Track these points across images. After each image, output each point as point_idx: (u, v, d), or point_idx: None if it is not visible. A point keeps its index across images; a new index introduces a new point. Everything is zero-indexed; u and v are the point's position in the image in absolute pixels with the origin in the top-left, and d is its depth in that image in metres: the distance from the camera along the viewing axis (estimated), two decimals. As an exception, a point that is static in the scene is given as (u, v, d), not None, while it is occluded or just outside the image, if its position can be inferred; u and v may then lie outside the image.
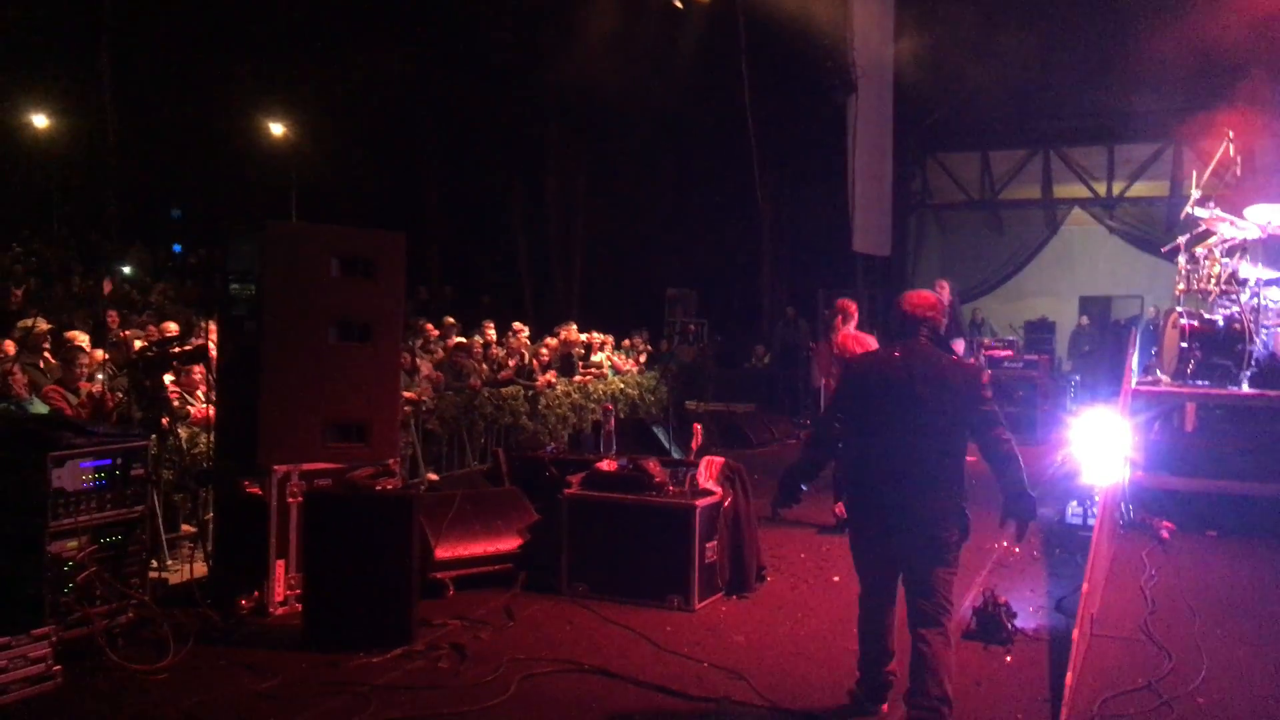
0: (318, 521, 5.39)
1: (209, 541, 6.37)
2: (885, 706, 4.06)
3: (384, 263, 6.02)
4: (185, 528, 7.20)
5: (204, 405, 7.31)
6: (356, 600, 5.19)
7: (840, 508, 7.52)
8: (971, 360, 4.40)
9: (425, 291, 17.51)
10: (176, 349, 6.79)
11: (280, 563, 5.76)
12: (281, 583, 5.77)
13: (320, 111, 19.77)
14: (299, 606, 5.53)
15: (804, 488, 4.62)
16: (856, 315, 7.92)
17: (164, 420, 6.47)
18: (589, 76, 16.16)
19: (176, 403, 7.40)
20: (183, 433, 7.09)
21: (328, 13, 18.80)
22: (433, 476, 9.74)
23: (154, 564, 6.51)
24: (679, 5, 15.65)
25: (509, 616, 5.72)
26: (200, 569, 6.35)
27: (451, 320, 12.51)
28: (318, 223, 6.38)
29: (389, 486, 5.91)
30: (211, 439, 6.26)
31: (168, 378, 6.98)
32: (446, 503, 6.44)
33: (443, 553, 6.16)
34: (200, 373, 7.55)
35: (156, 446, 6.73)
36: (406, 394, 9.44)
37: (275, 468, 5.73)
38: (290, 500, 5.79)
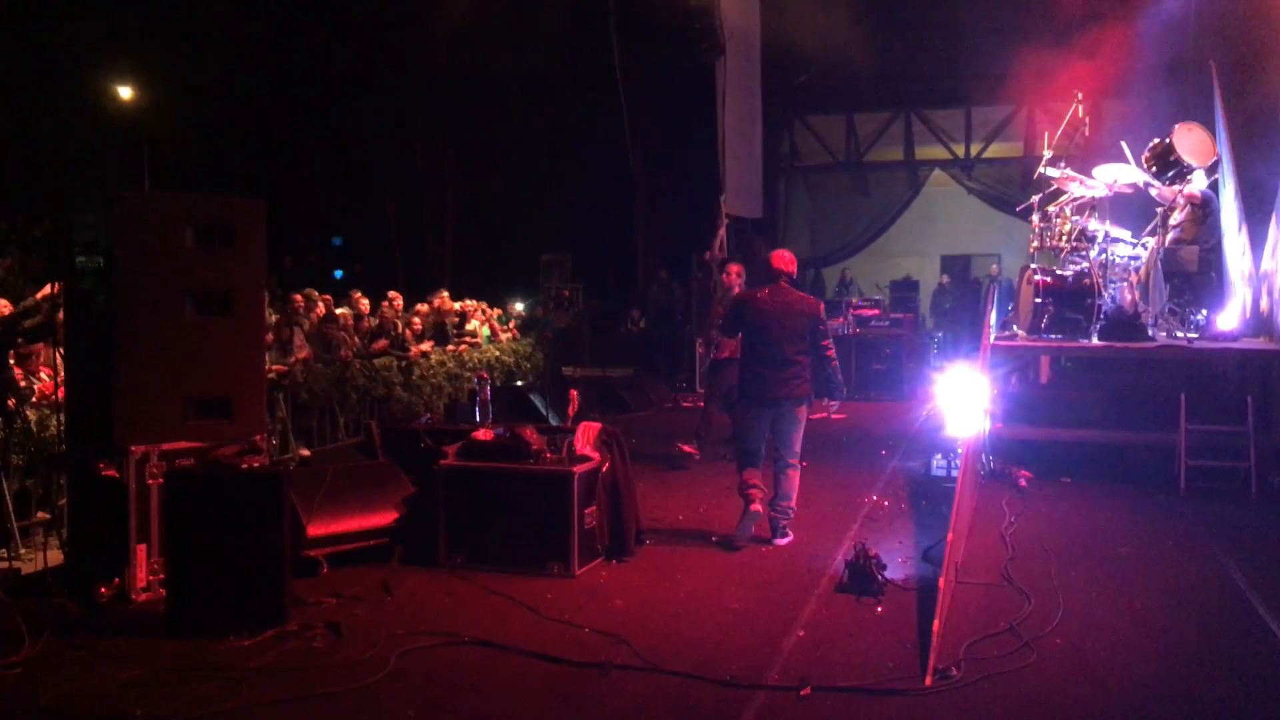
0: (180, 503, 5.17)
1: (64, 528, 6.07)
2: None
3: (244, 231, 5.80)
4: (40, 515, 6.84)
5: (49, 383, 6.93)
6: (224, 583, 5.02)
7: (686, 446, 9.10)
8: (813, 298, 7.03)
9: (290, 260, 16.95)
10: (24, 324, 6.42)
11: (141, 547, 5.52)
12: (144, 568, 5.53)
13: (174, 73, 18.80)
14: (163, 592, 5.33)
15: None
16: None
17: (10, 402, 6.11)
18: (456, 38, 15.81)
19: (23, 383, 7.00)
20: (31, 415, 6.71)
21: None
22: (305, 452, 9.49)
23: (4, 553, 6.20)
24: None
25: (386, 591, 5.63)
26: (56, 557, 6.05)
27: (315, 293, 12.12)
28: (173, 190, 6.09)
29: (256, 464, 5.71)
30: (63, 420, 5.95)
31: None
32: (318, 478, 6.28)
33: (315, 530, 6.00)
34: (43, 350, 7.15)
35: (4, 430, 6.38)
36: (276, 367, 9.15)
37: (133, 448, 5.47)
38: (150, 482, 5.54)
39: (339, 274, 18.52)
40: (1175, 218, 9.40)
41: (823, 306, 6.93)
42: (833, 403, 6.86)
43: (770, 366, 6.56)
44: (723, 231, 14.53)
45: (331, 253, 19.18)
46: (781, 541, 6.57)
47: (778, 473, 6.61)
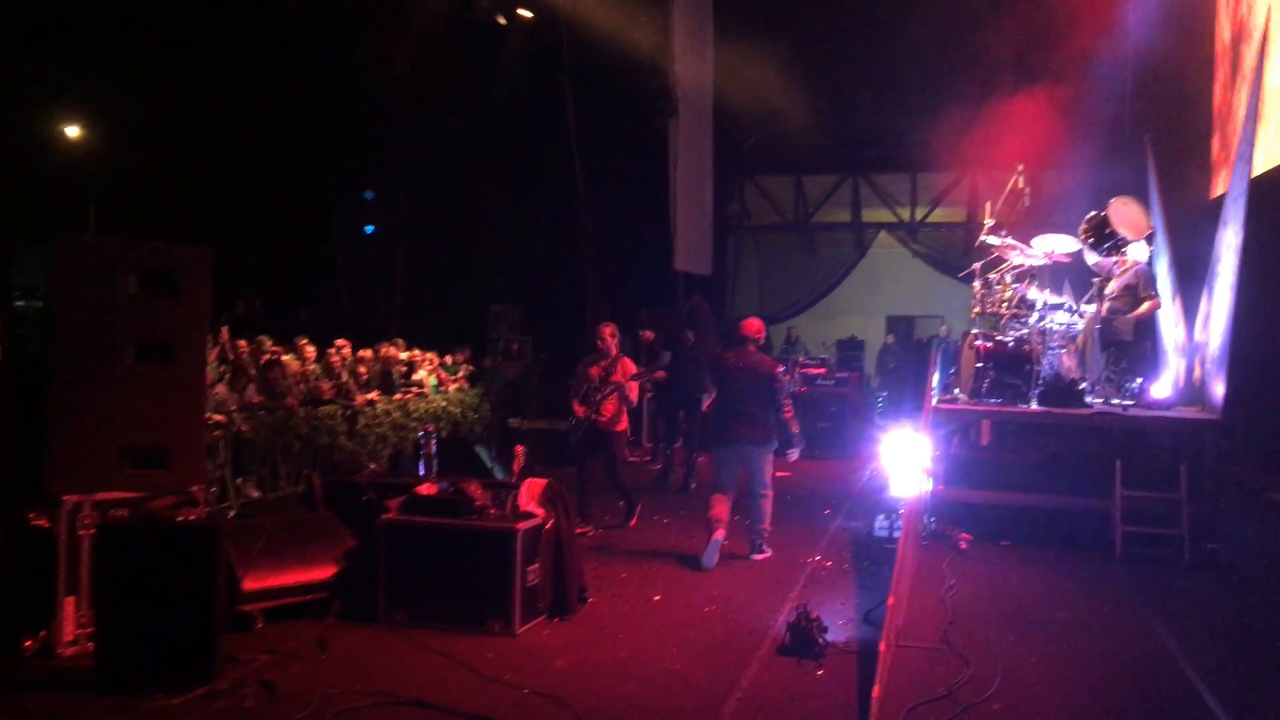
0: (111, 555, 5.06)
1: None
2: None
3: (188, 279, 5.74)
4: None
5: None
6: (154, 638, 4.89)
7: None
8: (771, 360, 8.27)
9: (243, 306, 16.70)
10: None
11: (70, 600, 5.38)
12: (71, 621, 5.38)
13: (122, 116, 18.60)
14: (91, 646, 5.18)
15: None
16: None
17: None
18: (409, 90, 15.87)
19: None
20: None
21: (131, 9, 17.75)
22: (254, 493, 9.33)
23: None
24: (502, 21, 15.61)
25: (322, 648, 5.52)
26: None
27: (264, 337, 11.97)
28: (120, 234, 6.02)
29: (192, 516, 5.61)
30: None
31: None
32: (256, 531, 6.17)
33: (251, 583, 5.88)
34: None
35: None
36: (216, 416, 9.01)
37: (65, 497, 5.35)
38: (82, 532, 5.41)
39: (370, 229, 18.56)
40: (1111, 287, 9.66)
41: (780, 369, 8.09)
42: (793, 451, 7.94)
43: (734, 416, 7.86)
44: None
45: (281, 299, 18.92)
46: (759, 556, 7.78)
47: (752, 502, 7.86)
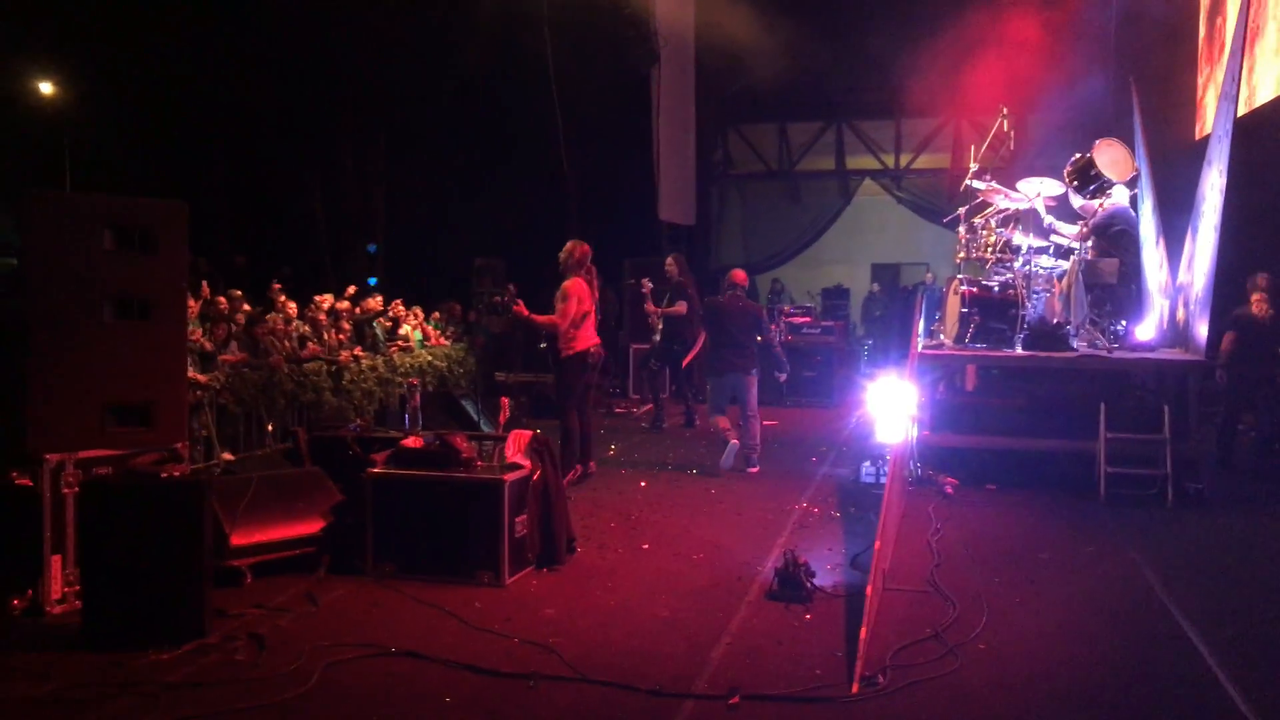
0: (96, 512, 5.03)
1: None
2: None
3: (164, 234, 5.68)
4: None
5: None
6: (142, 594, 4.88)
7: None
8: (756, 303, 10.13)
9: (206, 263, 16.51)
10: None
11: (56, 558, 5.36)
12: (58, 580, 5.36)
13: (97, 70, 18.27)
14: (79, 604, 5.17)
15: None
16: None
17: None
18: (387, 41, 15.62)
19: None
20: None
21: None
22: (228, 456, 9.30)
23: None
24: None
25: (311, 602, 5.53)
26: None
27: (240, 293, 11.85)
28: (95, 192, 5.93)
29: (176, 472, 5.57)
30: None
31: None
32: (242, 486, 6.14)
33: (239, 539, 5.87)
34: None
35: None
36: (198, 376, 8.95)
37: (47, 456, 5.31)
38: (66, 491, 5.38)
39: (373, 281, 18.38)
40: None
41: (763, 309, 10.52)
42: (781, 374, 10.00)
43: (729, 348, 9.29)
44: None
45: (261, 255, 18.75)
46: (753, 470, 9.14)
47: (744, 423, 9.26)
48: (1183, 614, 5.35)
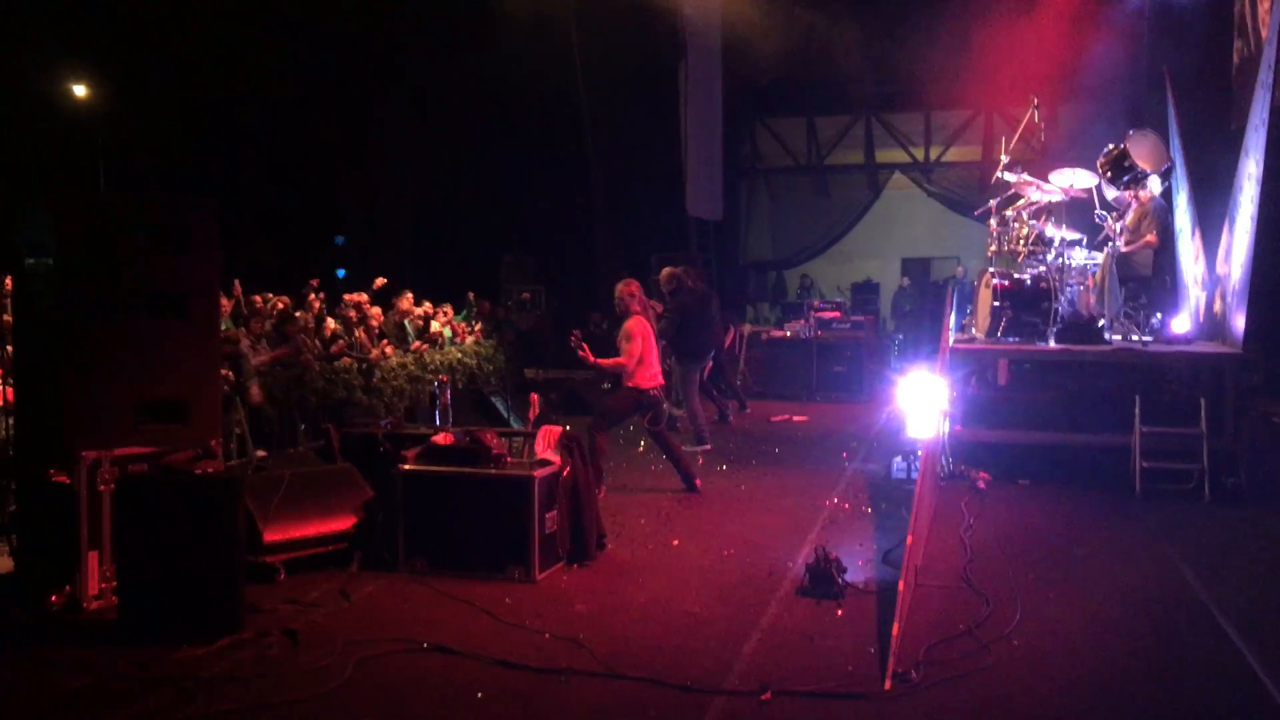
0: (132, 509, 5.09)
1: (14, 535, 5.93)
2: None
3: (198, 232, 5.72)
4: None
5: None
6: (178, 590, 4.94)
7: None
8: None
9: (242, 264, 16.66)
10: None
11: (93, 554, 5.42)
12: (95, 576, 5.43)
13: (130, 73, 18.47)
14: (115, 600, 5.23)
15: None
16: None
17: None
18: (415, 38, 15.67)
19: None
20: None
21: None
22: (262, 453, 9.37)
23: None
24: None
25: (344, 597, 5.56)
26: (5, 564, 5.93)
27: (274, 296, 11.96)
28: (129, 190, 6.00)
29: (210, 469, 5.63)
30: (11, 425, 5.83)
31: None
32: (275, 483, 6.18)
33: (272, 535, 5.91)
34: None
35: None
36: (227, 373, 9.02)
37: (84, 454, 5.37)
38: (102, 487, 5.44)
39: (341, 273, 18.44)
40: (1128, 220, 9.53)
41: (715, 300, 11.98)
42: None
43: (706, 335, 10.66)
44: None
45: (290, 253, 18.90)
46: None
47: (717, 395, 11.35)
48: (1220, 611, 5.27)
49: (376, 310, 12.78)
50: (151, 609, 4.95)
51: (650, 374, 8.08)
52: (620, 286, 8.30)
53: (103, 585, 5.44)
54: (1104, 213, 9.72)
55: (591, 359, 7.95)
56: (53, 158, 18.35)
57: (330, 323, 11.62)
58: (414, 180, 19.47)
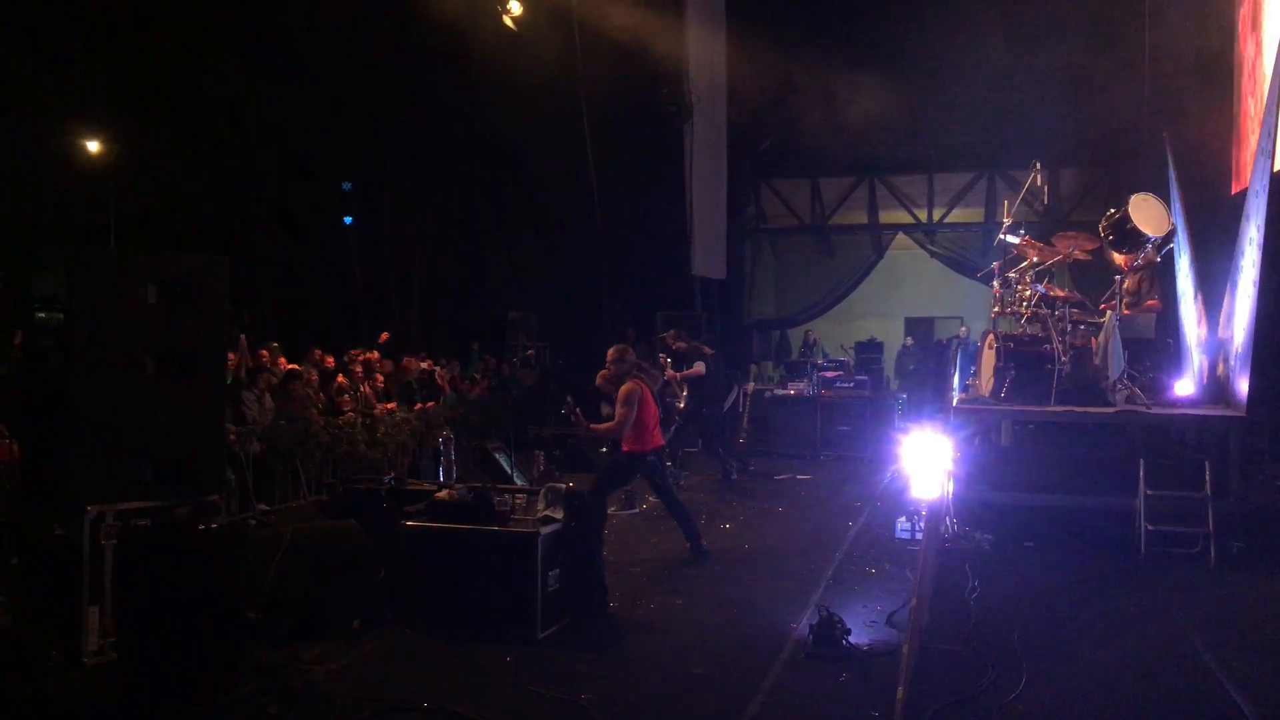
0: (134, 564, 5.08)
1: (15, 588, 5.91)
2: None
3: (206, 289, 5.75)
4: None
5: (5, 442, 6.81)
6: (177, 645, 4.91)
7: None
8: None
9: (249, 317, 16.77)
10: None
11: (94, 610, 5.39)
12: (95, 630, 5.39)
13: (143, 131, 18.73)
14: (114, 655, 5.19)
15: None
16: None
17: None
18: (424, 98, 15.91)
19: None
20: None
21: (147, 22, 17.89)
22: (263, 507, 9.35)
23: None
24: (511, 26, 15.60)
25: (344, 655, 5.52)
26: (6, 620, 5.90)
27: (276, 344, 12.02)
28: (139, 246, 6.07)
29: (213, 525, 5.62)
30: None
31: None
32: (277, 539, 6.17)
33: (273, 591, 5.88)
34: None
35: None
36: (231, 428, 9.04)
37: (87, 508, 5.37)
38: (104, 542, 5.43)
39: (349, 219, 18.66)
40: (1130, 283, 9.58)
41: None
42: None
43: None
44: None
45: (298, 308, 19.02)
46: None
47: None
48: (1229, 677, 5.22)
49: (386, 363, 12.84)
50: (151, 664, 4.91)
51: (646, 437, 7.97)
52: (610, 352, 8.14)
53: (102, 641, 5.40)
54: (1119, 275, 9.80)
55: (585, 424, 7.94)
56: (66, 213, 18.54)
57: (340, 378, 11.67)
58: (423, 237, 19.64)
